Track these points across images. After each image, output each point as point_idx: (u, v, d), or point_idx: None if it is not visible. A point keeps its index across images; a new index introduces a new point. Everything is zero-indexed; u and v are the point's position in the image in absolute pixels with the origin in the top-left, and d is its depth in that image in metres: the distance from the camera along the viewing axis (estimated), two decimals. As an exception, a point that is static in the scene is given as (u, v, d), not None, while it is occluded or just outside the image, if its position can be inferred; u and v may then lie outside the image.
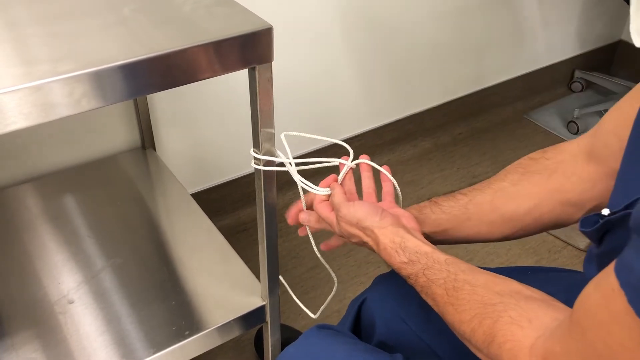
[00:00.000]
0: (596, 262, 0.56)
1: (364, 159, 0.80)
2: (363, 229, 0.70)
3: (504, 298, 0.56)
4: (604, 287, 0.42)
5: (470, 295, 0.58)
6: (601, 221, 0.51)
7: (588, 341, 0.44)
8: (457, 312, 0.59)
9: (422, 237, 0.69)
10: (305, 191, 0.80)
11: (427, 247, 0.66)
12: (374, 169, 0.81)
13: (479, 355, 0.57)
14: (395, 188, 0.80)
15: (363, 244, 0.72)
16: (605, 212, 0.51)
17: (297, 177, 0.78)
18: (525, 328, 0.52)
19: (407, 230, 0.69)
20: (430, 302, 0.64)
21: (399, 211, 0.74)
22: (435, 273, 0.62)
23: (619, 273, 0.41)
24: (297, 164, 0.78)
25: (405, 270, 0.65)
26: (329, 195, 0.78)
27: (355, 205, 0.72)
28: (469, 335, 0.57)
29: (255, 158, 0.77)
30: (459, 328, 0.59)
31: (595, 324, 0.43)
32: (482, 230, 0.75)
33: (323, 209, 0.77)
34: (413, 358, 0.69)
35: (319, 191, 0.78)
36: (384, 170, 0.79)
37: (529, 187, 0.73)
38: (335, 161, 0.80)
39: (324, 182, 0.79)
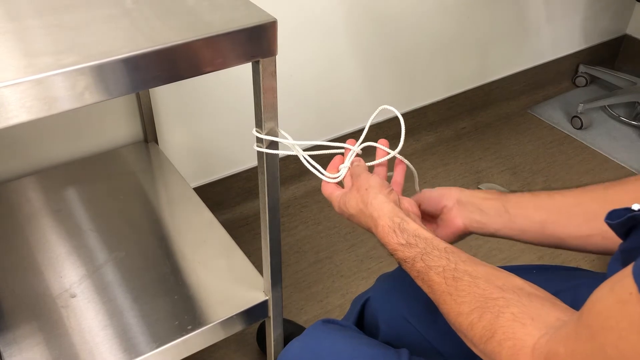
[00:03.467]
0: (620, 257, 0.55)
1: (371, 143, 0.79)
2: (367, 198, 0.69)
3: (506, 293, 0.54)
4: (620, 290, 0.40)
5: (471, 287, 0.56)
6: (632, 214, 0.50)
7: (597, 345, 0.42)
8: (456, 303, 0.57)
9: (421, 223, 0.68)
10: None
11: (426, 233, 0.64)
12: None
13: (473, 349, 0.56)
14: (411, 170, 0.81)
15: (360, 219, 0.71)
16: (636, 207, 0.50)
17: (301, 154, 0.78)
18: (528, 326, 0.51)
19: (408, 213, 0.68)
20: (425, 290, 0.62)
21: (403, 198, 0.73)
22: (434, 260, 0.60)
23: (638, 277, 0.39)
24: (303, 151, 0.79)
25: (402, 253, 0.63)
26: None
27: (372, 176, 0.73)
28: (466, 329, 0.56)
29: (258, 141, 0.77)
30: (456, 320, 0.57)
31: (608, 328, 0.41)
32: (571, 232, 0.70)
33: (327, 187, 0.78)
34: (417, 358, 0.69)
35: (328, 178, 0.78)
36: (395, 153, 0.79)
37: (621, 193, 0.68)
38: (341, 146, 0.80)
39: (331, 164, 0.79)
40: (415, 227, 0.65)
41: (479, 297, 0.55)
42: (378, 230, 0.67)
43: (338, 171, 0.78)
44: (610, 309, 0.41)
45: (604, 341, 0.42)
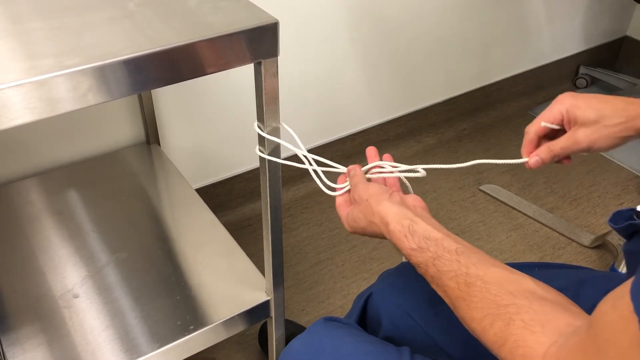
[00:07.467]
0: (624, 258, 0.55)
1: (378, 163, 0.77)
2: (371, 208, 0.69)
3: (517, 299, 0.55)
4: (621, 307, 0.41)
5: (483, 293, 0.57)
6: (632, 221, 0.50)
7: (603, 358, 0.43)
8: (469, 308, 0.57)
9: (431, 217, 0.67)
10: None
11: (436, 233, 0.63)
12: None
13: (491, 352, 0.56)
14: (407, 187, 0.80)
15: (372, 229, 0.70)
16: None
17: (311, 167, 0.78)
18: (537, 333, 0.51)
19: (415, 212, 0.67)
20: (440, 294, 0.62)
21: (407, 195, 0.72)
22: (445, 264, 0.60)
23: (634, 296, 0.40)
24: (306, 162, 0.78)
25: (415, 258, 0.63)
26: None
27: (369, 185, 0.72)
28: (480, 334, 0.56)
29: (260, 149, 0.77)
30: (470, 324, 0.58)
31: (611, 343, 0.42)
32: None
33: (340, 208, 0.77)
34: (419, 353, 0.69)
35: (331, 192, 0.78)
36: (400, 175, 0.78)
37: None
38: (344, 169, 0.79)
39: (339, 180, 0.79)
40: (425, 227, 0.64)
41: (491, 304, 0.56)
42: (390, 236, 0.66)
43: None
44: (613, 325, 0.42)
45: (608, 355, 0.42)
